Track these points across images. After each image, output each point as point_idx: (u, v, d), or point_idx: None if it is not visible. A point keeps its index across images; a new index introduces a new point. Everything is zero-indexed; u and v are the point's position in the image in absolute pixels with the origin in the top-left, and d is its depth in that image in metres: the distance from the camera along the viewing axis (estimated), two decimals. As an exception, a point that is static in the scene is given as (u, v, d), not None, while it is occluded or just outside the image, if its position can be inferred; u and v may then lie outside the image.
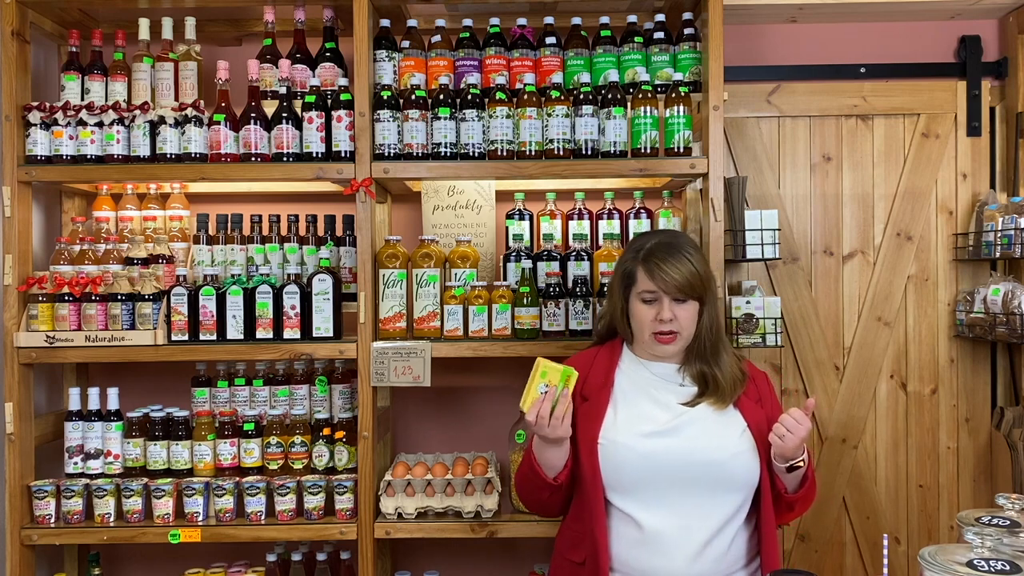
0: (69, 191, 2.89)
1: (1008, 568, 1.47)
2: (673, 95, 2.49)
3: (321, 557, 2.67)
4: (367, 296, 2.51)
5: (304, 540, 2.73)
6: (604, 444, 1.92)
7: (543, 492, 2.01)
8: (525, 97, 2.50)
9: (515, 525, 2.52)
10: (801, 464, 1.90)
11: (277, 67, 2.67)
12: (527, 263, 2.59)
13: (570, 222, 2.77)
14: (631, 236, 2.68)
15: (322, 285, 2.55)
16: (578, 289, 2.56)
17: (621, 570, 1.93)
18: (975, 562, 1.50)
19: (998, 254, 2.73)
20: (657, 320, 1.93)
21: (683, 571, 1.87)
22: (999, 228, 2.72)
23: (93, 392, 2.63)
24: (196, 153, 2.57)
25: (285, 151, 2.55)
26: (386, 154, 2.52)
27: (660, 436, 1.91)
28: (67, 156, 2.58)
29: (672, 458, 1.89)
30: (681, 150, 2.49)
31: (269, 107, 2.62)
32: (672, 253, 1.94)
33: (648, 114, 2.48)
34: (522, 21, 2.65)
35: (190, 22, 2.71)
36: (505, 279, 2.64)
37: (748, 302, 2.65)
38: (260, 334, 2.55)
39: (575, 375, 1.89)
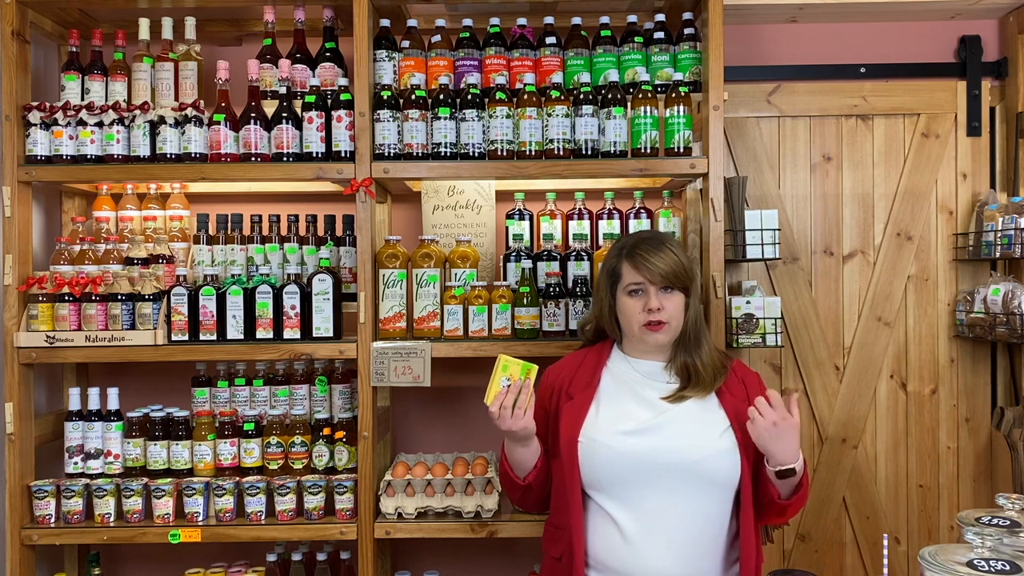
0: (69, 191, 2.89)
1: (1008, 568, 1.47)
2: (673, 95, 2.49)
3: (321, 557, 2.67)
4: (367, 296, 2.51)
5: (304, 540, 2.73)
6: (584, 442, 1.93)
7: (516, 491, 2.08)
8: (525, 97, 2.50)
9: (515, 525, 2.53)
10: (795, 471, 1.85)
11: (277, 67, 2.67)
12: (527, 263, 2.59)
13: (570, 222, 2.77)
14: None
15: (322, 285, 2.55)
16: (578, 289, 2.56)
17: (599, 568, 1.92)
18: (975, 562, 1.50)
19: (998, 254, 2.73)
20: (645, 311, 1.94)
21: (661, 571, 1.86)
22: (999, 228, 2.72)
23: (93, 392, 2.64)
24: (196, 153, 2.57)
25: (285, 151, 2.55)
26: (386, 154, 2.52)
27: (640, 434, 1.91)
28: (67, 156, 2.58)
29: (651, 456, 1.88)
30: (681, 150, 2.49)
31: (269, 107, 2.62)
32: (655, 245, 1.97)
33: (648, 114, 2.48)
34: (522, 21, 2.65)
35: (190, 22, 2.71)
36: (505, 279, 2.63)
37: (748, 302, 2.65)
38: (260, 334, 2.55)
39: (535, 369, 1.96)
